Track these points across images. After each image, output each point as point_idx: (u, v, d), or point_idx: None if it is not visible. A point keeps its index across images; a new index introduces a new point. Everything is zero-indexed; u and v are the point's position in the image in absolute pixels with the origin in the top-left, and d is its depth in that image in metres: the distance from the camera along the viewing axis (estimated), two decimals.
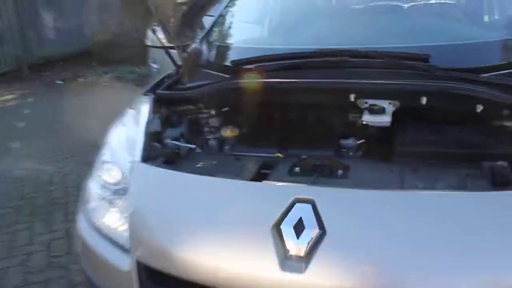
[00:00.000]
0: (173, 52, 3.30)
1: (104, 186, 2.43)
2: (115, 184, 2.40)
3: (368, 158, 2.36)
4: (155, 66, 4.71)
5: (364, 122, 2.39)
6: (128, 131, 2.62)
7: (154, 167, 2.25)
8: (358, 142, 2.52)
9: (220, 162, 2.28)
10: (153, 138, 2.57)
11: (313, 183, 1.97)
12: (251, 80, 2.67)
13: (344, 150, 2.49)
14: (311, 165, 2.13)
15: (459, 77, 2.39)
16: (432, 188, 1.90)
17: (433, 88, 2.33)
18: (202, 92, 2.74)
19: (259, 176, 2.10)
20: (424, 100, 2.37)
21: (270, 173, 2.13)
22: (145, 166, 2.28)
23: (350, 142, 2.52)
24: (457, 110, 2.43)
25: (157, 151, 2.43)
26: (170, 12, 3.00)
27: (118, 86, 8.76)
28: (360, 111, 2.51)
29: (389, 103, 2.44)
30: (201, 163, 2.28)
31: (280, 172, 2.12)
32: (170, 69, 4.32)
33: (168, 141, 2.69)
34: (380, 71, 2.59)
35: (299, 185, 1.95)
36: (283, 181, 2.01)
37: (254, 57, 2.91)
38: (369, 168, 2.12)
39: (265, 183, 2.03)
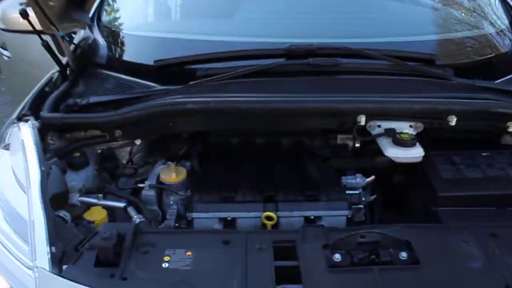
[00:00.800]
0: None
1: None
2: None
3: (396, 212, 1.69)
4: (5, 53, 3.32)
5: (390, 158, 1.68)
6: (10, 198, 1.51)
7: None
8: (368, 179, 1.82)
9: (197, 251, 1.35)
10: (58, 204, 1.52)
11: None
12: (202, 98, 1.74)
13: (353, 193, 1.76)
14: (355, 245, 1.35)
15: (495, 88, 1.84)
16: None
17: (480, 107, 1.73)
18: (126, 116, 1.73)
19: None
20: (454, 121, 1.76)
21: (300, 272, 1.28)
22: (65, 283, 1.24)
23: (357, 181, 1.80)
24: (485, 131, 1.88)
25: (75, 238, 1.38)
26: None
27: None
28: (368, 136, 1.80)
29: (410, 126, 1.77)
30: (167, 260, 1.31)
31: (314, 267, 1.29)
32: (27, 55, 3.07)
33: (78, 198, 1.66)
34: (383, 79, 1.89)
35: None
36: None
37: (196, 56, 1.97)
38: (432, 237, 1.42)
39: None
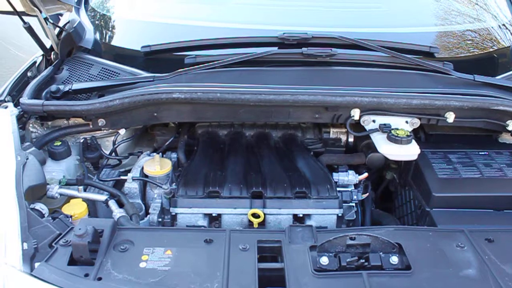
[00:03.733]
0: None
1: None
2: None
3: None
4: None
5: (384, 155, 1.61)
6: None
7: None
8: (360, 176, 1.75)
9: (177, 250, 1.27)
10: (35, 197, 1.45)
11: None
12: (189, 87, 1.66)
13: (345, 191, 1.69)
14: (343, 247, 1.29)
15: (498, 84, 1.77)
16: None
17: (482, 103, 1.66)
18: (109, 104, 1.66)
19: None
20: (452, 118, 1.69)
21: (285, 276, 1.21)
22: (35, 282, 1.17)
23: (349, 177, 1.73)
24: (483, 129, 1.82)
25: (50, 233, 1.31)
26: None
27: None
28: (362, 131, 1.73)
29: (406, 122, 1.71)
30: (145, 259, 1.24)
31: (300, 270, 1.22)
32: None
33: (58, 190, 1.58)
34: (379, 71, 1.82)
35: None
36: None
37: (185, 43, 1.88)
38: (426, 241, 1.35)
39: None
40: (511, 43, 2.18)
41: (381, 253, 1.28)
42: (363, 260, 1.26)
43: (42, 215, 1.44)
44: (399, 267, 1.26)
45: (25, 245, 1.24)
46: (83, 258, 1.23)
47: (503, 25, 2.29)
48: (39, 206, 1.46)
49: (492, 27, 2.29)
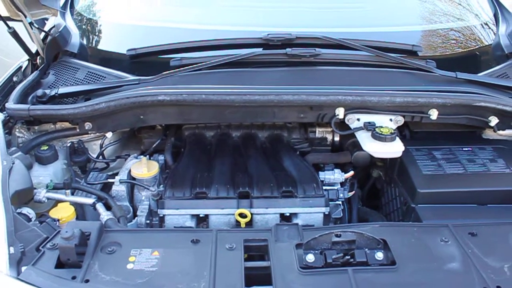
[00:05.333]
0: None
1: None
2: None
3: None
4: None
5: (370, 153, 1.63)
6: None
7: None
8: (346, 174, 1.77)
9: (164, 251, 1.28)
10: (21, 202, 1.45)
11: None
12: (175, 89, 1.67)
13: (331, 189, 1.71)
14: (329, 245, 1.30)
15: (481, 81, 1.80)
16: None
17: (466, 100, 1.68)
18: (96, 107, 1.66)
19: None
20: (435, 115, 1.72)
21: (271, 273, 1.22)
22: (22, 286, 1.17)
23: (335, 176, 1.75)
24: (466, 125, 1.84)
25: (37, 237, 1.31)
26: None
27: None
28: (347, 130, 1.75)
29: (390, 120, 1.73)
30: (132, 260, 1.25)
31: (286, 268, 1.23)
32: None
33: (45, 194, 1.58)
34: (363, 70, 1.84)
35: None
36: None
37: (170, 45, 1.89)
38: (410, 236, 1.37)
39: None
40: (492, 41, 2.21)
41: (366, 249, 1.30)
42: (349, 257, 1.27)
43: (29, 219, 1.43)
44: (384, 262, 1.27)
45: (12, 249, 1.24)
46: (70, 261, 1.23)
47: (485, 23, 2.33)
48: (26, 210, 1.46)
49: (475, 26, 2.32)
